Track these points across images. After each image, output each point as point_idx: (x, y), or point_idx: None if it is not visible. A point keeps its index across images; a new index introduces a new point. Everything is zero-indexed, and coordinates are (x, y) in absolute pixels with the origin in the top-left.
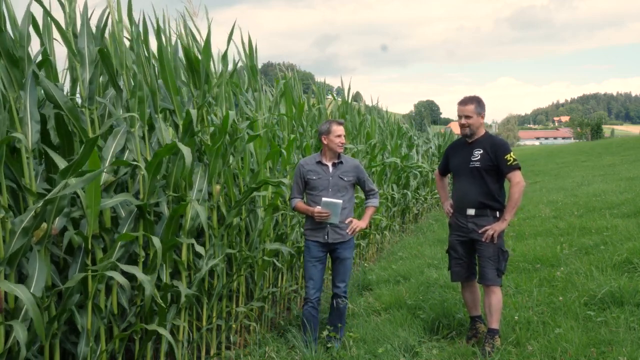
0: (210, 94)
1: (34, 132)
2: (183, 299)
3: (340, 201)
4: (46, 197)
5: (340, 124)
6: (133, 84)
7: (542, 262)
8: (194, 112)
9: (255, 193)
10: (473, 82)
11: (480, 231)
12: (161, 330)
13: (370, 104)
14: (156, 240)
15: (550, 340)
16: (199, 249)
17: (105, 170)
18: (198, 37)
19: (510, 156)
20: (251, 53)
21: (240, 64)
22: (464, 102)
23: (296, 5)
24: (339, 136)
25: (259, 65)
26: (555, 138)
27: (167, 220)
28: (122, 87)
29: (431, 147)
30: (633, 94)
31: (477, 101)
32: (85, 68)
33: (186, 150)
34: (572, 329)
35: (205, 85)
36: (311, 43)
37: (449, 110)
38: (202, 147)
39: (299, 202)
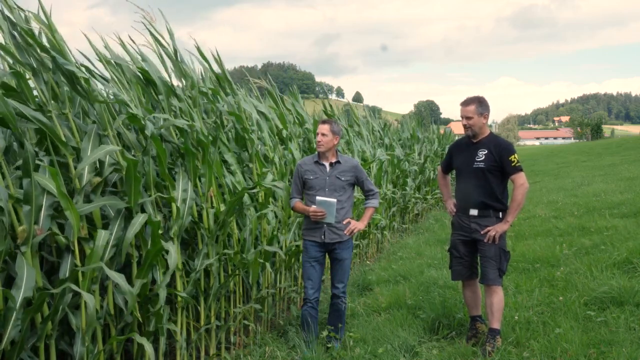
0: (172, 100)
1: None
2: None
3: (335, 200)
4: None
5: (322, 122)
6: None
7: (542, 262)
8: (147, 117)
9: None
10: (474, 82)
11: (482, 232)
12: (145, 345)
13: (369, 105)
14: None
15: (550, 340)
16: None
17: (87, 170)
18: (164, 43)
19: (515, 157)
20: (207, 63)
21: (203, 72)
22: (466, 102)
23: (297, 4)
24: (317, 134)
25: (259, 65)
26: (555, 138)
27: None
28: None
29: (435, 147)
30: (633, 94)
31: (478, 101)
32: (44, 75)
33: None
34: (572, 329)
35: (165, 87)
36: (312, 42)
37: (449, 110)
38: (179, 149)
39: (297, 202)
